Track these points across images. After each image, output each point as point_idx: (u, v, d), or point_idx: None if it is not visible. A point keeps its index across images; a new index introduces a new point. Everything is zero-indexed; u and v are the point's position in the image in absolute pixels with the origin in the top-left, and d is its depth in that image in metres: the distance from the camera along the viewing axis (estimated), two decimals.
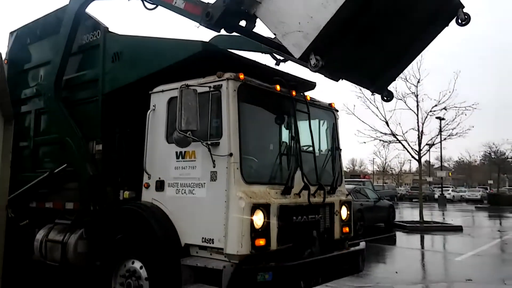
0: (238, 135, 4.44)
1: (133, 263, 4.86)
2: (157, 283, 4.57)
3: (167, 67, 5.03)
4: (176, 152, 4.77)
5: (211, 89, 4.50)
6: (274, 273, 4.19)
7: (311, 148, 5.27)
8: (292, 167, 4.90)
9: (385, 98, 5.36)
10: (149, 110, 5.10)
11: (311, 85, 6.01)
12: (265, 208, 4.39)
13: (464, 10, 4.47)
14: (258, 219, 4.31)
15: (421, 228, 16.03)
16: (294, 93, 5.12)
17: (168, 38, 5.26)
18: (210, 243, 4.40)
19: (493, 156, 50.26)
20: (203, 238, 4.45)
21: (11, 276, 6.08)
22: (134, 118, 5.47)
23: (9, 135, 6.14)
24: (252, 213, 4.25)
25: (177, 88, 4.38)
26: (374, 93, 5.67)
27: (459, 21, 4.47)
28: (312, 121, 5.31)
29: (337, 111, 6.03)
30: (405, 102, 17.35)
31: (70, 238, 5.60)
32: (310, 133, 5.23)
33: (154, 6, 5.49)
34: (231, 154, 4.36)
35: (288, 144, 5.10)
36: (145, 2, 5.55)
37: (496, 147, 48.39)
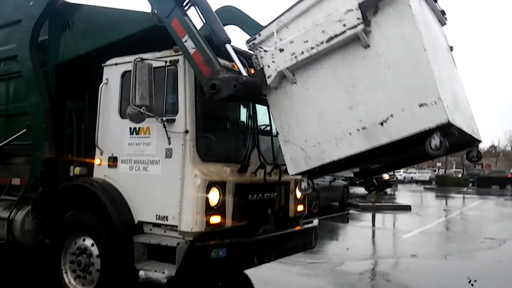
0: (195, 112, 4.37)
1: (84, 240, 4.75)
2: (109, 260, 4.50)
3: (122, 39, 4.82)
4: (130, 128, 4.64)
5: (167, 63, 4.38)
6: (228, 250, 4.23)
7: (268, 128, 5.29)
8: (249, 146, 4.90)
9: (370, 189, 5.16)
10: (101, 83, 4.90)
11: None
12: (221, 186, 4.38)
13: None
14: (214, 196, 4.30)
15: (373, 207, 16.67)
16: (253, 71, 5.07)
17: (125, 9, 5.02)
18: (164, 221, 4.35)
19: None
20: (157, 215, 4.40)
21: None
22: (86, 92, 5.25)
23: None
24: (207, 191, 4.23)
25: (131, 62, 4.22)
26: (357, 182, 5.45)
27: (470, 157, 4.17)
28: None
29: None
30: None
31: (16, 215, 5.35)
32: (268, 114, 5.22)
33: (162, 24, 4.51)
34: (187, 131, 4.29)
35: (245, 122, 5.09)
36: (153, 13, 4.51)
37: None
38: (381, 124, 3.41)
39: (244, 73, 4.03)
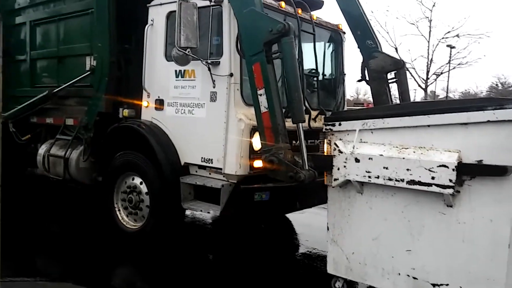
0: (239, 55, 4.27)
1: (133, 179, 4.96)
2: (157, 199, 4.70)
3: None
4: (176, 71, 4.64)
5: (212, 3, 4.24)
6: (271, 193, 4.28)
7: (314, 71, 5.11)
8: None
9: None
10: (147, 25, 4.87)
11: (319, 4, 5.66)
12: None
13: None
14: (257, 141, 4.29)
15: None
16: (300, 11, 4.84)
17: None
18: (209, 163, 4.44)
19: (500, 88, 49.49)
20: (202, 157, 4.48)
21: (14, 188, 6.27)
22: (132, 34, 5.25)
23: None
24: (251, 135, 4.22)
25: (176, 1, 4.12)
26: None
27: None
28: (317, 43, 5.09)
29: (344, 33, 5.76)
30: (417, 28, 16.68)
31: (71, 153, 5.65)
32: (314, 56, 5.04)
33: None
34: (231, 75, 4.23)
35: None
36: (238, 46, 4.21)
37: (505, 78, 47.46)
38: (433, 285, 3.15)
39: (306, 165, 3.76)
